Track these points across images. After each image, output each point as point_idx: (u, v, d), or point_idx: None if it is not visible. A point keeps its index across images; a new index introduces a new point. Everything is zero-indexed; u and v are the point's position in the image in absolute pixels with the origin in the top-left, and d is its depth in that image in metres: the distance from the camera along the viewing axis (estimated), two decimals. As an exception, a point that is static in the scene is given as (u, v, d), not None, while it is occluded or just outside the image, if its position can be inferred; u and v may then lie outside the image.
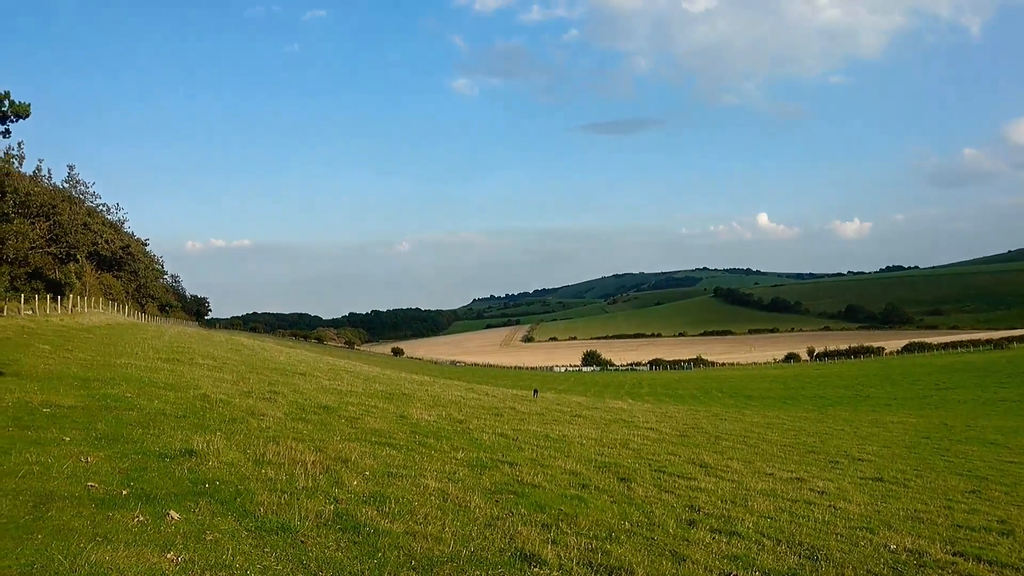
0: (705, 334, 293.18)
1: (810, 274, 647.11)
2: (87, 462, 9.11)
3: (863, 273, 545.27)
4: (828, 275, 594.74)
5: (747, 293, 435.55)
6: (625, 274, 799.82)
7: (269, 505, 8.00)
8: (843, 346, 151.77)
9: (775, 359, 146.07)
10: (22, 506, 7.16)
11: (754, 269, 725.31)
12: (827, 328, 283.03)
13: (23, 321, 32.83)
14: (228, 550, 6.52)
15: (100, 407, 13.10)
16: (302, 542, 6.97)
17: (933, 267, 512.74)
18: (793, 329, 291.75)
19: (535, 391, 10.87)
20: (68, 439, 10.30)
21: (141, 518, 7.14)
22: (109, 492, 7.97)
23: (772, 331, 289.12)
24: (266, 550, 6.67)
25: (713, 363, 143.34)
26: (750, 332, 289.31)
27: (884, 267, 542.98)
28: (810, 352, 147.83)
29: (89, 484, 8.14)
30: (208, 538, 6.82)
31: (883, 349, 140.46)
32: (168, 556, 6.20)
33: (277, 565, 6.31)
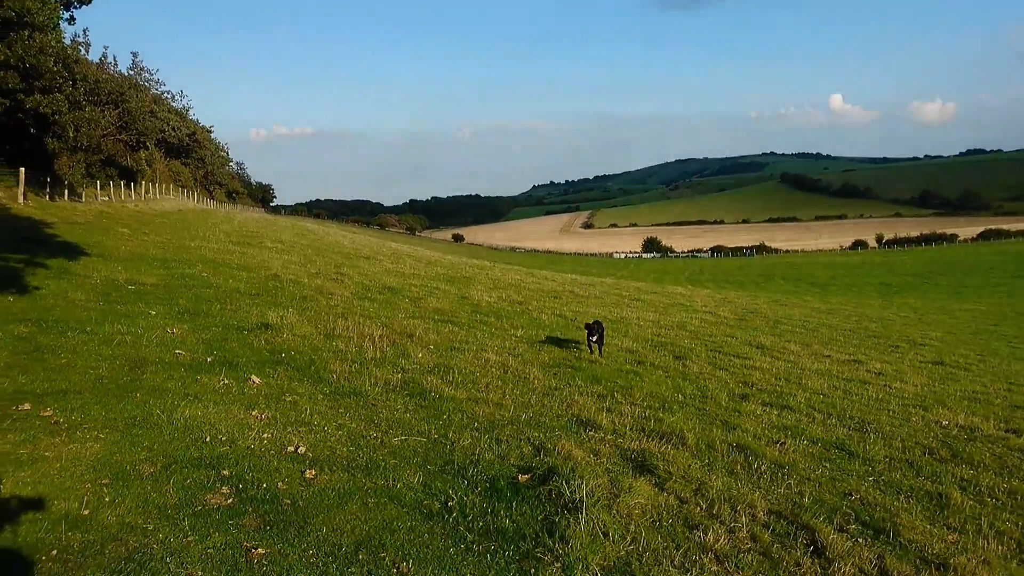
0: (769, 221, 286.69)
1: (884, 158, 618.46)
2: (173, 333, 9.80)
3: (941, 157, 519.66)
4: (903, 159, 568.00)
5: (815, 178, 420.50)
6: (688, 159, 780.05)
7: (341, 373, 8.55)
8: (914, 233, 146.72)
9: (841, 246, 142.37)
10: (119, 369, 7.83)
11: (824, 153, 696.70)
12: (898, 215, 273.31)
13: (101, 207, 34.17)
14: (306, 410, 7.09)
15: (179, 285, 13.87)
16: (373, 405, 7.49)
17: (1018, 150, 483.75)
18: (863, 216, 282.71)
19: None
20: (154, 313, 11.03)
21: (226, 381, 7.75)
22: (195, 359, 8.62)
23: (840, 218, 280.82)
24: (340, 410, 7.22)
25: (777, 250, 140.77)
26: (817, 219, 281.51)
27: (964, 151, 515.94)
28: (879, 239, 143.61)
29: (177, 352, 8.80)
30: (287, 399, 7.40)
31: (957, 236, 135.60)
32: (253, 413, 6.78)
33: (351, 423, 6.84)
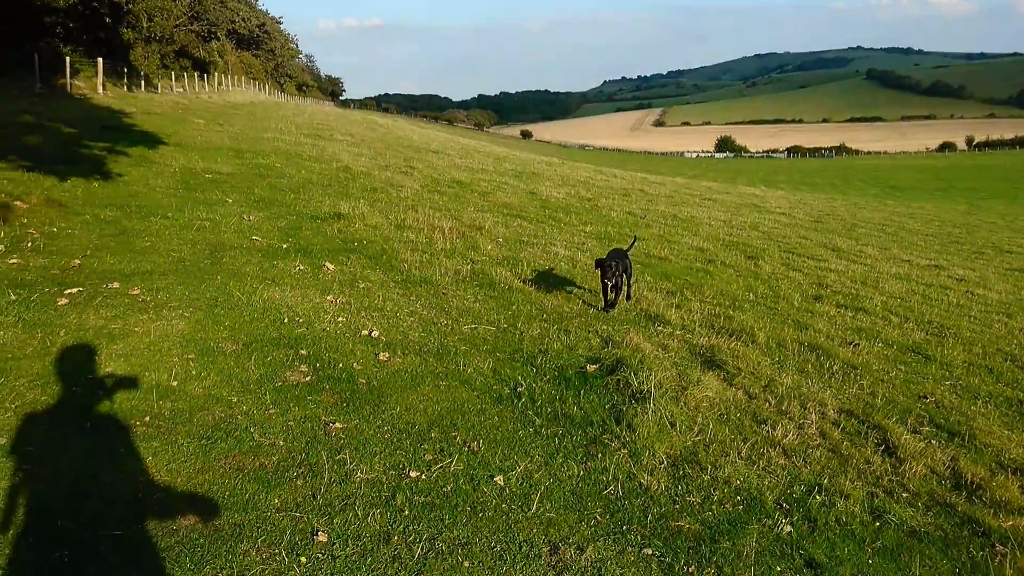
0: (852, 120, 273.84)
1: (980, 54, 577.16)
2: (249, 220, 10.04)
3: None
4: (1002, 55, 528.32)
5: (904, 75, 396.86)
6: (768, 54, 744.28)
7: (412, 262, 8.66)
8: (1008, 135, 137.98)
9: (928, 148, 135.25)
10: (200, 253, 8.11)
11: (916, 48, 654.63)
12: (993, 115, 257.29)
13: (176, 98, 34.78)
14: (379, 296, 7.24)
15: (254, 175, 14.12)
16: (443, 294, 7.60)
17: None
18: (953, 116, 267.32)
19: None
20: (230, 200, 11.30)
21: (301, 267, 7.95)
22: (271, 245, 8.85)
23: (928, 118, 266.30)
24: (412, 298, 7.35)
25: (858, 151, 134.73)
26: (903, 119, 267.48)
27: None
28: (969, 141, 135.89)
29: (253, 238, 9.04)
30: (360, 286, 7.57)
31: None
32: (328, 298, 6.97)
33: (422, 310, 6.97)
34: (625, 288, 7.83)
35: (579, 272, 9.13)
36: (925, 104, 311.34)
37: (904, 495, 4.37)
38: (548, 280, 8.56)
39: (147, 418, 4.40)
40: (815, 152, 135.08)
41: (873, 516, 4.10)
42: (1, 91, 21.99)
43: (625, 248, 8.34)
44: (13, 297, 5.97)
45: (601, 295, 7.69)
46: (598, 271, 7.46)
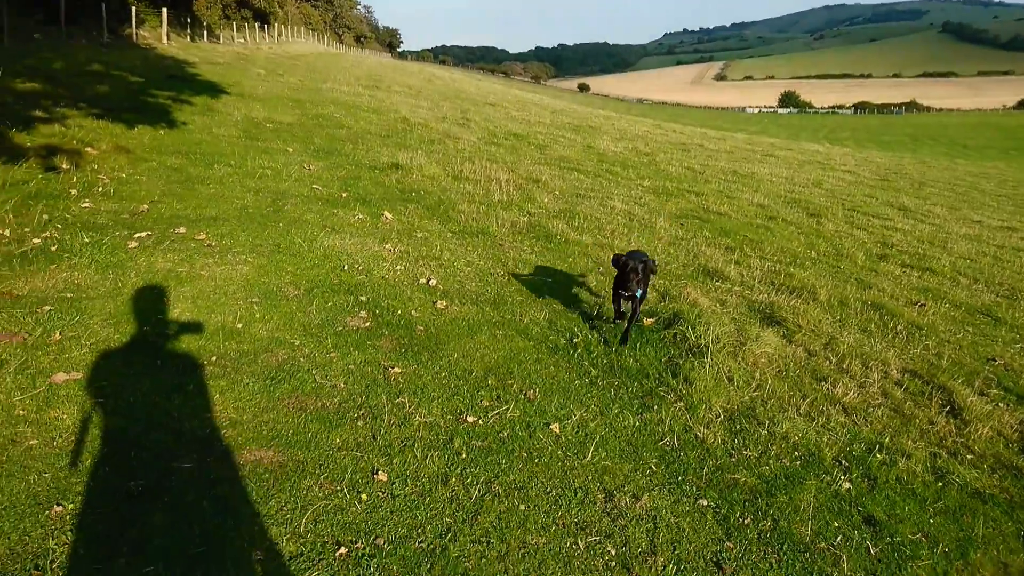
0: (924, 76, 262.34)
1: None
2: (310, 169, 10.17)
3: None
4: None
5: (982, 29, 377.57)
6: (837, 5, 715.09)
7: (469, 213, 8.68)
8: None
9: (1005, 105, 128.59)
10: (263, 200, 8.25)
11: (996, 0, 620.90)
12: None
13: (238, 48, 35.10)
14: (436, 245, 7.29)
15: (314, 125, 14.26)
16: (500, 245, 7.61)
17: None
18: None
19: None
20: (291, 150, 11.45)
21: (360, 216, 8.04)
22: (331, 194, 8.95)
23: (1006, 74, 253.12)
24: (468, 248, 7.38)
25: (929, 108, 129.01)
26: (979, 74, 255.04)
27: None
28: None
29: (314, 187, 9.16)
30: (418, 235, 7.62)
31: None
32: (386, 246, 7.04)
33: (479, 260, 7.00)
34: (631, 307, 5.41)
35: (636, 226, 9.05)
36: (1004, 59, 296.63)
37: (969, 457, 4.27)
38: (604, 233, 8.50)
39: (214, 358, 4.53)
40: (884, 108, 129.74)
41: (936, 476, 4.02)
42: (71, 40, 22.47)
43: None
44: (86, 239, 6.17)
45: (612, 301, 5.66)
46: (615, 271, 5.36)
